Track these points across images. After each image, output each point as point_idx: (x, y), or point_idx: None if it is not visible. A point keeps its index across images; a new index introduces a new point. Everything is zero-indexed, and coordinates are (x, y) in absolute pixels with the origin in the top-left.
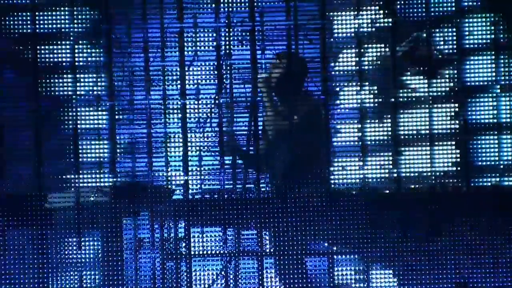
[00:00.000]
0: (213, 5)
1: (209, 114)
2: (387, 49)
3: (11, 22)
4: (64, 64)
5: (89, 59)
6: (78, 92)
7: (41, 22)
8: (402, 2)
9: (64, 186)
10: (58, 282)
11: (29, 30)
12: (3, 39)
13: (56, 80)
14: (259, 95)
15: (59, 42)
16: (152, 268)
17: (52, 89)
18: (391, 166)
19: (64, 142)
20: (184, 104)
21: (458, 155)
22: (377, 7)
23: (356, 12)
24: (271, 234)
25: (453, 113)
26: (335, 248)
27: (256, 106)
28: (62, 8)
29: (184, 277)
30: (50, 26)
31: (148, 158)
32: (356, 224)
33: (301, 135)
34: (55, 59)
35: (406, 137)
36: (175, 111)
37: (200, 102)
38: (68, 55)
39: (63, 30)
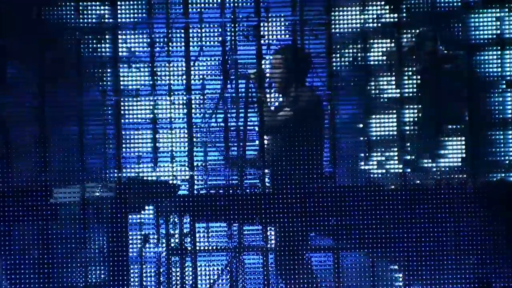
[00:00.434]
0: (219, 0)
1: (214, 109)
2: (392, 45)
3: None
4: (69, 59)
5: (95, 54)
6: (84, 87)
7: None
8: None
9: (70, 182)
10: (63, 277)
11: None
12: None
13: (61, 76)
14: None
15: (65, 37)
16: (157, 263)
17: (56, 84)
18: (396, 162)
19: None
20: (189, 99)
21: (464, 151)
22: (383, 2)
23: (361, 8)
24: (276, 230)
25: (458, 109)
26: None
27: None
28: (68, 3)
29: (189, 272)
30: (56, 20)
31: (154, 154)
32: (362, 220)
33: (300, 129)
34: (61, 54)
35: (411, 132)
36: (181, 106)
37: (205, 97)
38: (74, 50)
39: (69, 25)
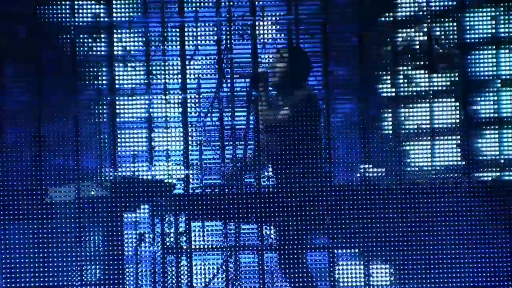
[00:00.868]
0: None
1: (209, 108)
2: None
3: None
4: (65, 58)
5: (90, 53)
6: (79, 86)
7: (43, 15)
8: None
9: (65, 180)
10: (59, 276)
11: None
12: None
13: (58, 75)
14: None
15: (61, 36)
16: (152, 262)
17: (54, 83)
18: (393, 161)
19: (66, 136)
20: (185, 98)
21: (460, 150)
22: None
23: (357, 6)
24: (271, 229)
25: (454, 108)
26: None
27: (256, 100)
28: (63, 2)
29: (185, 271)
30: (52, 19)
31: (149, 153)
32: (357, 219)
33: (298, 128)
34: (57, 53)
35: (408, 131)
36: (176, 105)
37: (200, 96)
38: (70, 49)
39: (64, 24)
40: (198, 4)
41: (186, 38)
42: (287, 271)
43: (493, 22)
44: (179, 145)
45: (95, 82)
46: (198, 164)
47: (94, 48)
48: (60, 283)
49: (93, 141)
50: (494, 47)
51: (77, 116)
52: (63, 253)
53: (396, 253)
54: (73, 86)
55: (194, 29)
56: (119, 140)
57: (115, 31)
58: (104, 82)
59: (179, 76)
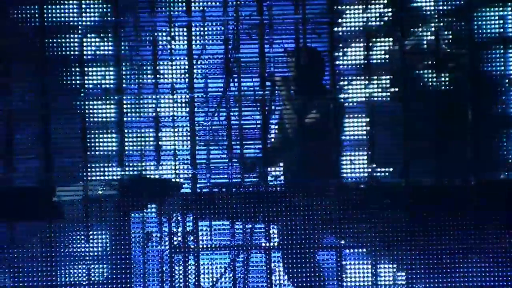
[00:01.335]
0: None
1: (217, 108)
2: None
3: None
4: (72, 57)
5: (97, 52)
6: (86, 86)
7: (50, 15)
8: None
9: (73, 180)
10: (66, 276)
11: (37, 23)
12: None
13: (65, 73)
14: (277, 93)
15: (67, 35)
16: (160, 261)
17: (61, 82)
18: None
19: (73, 135)
20: (192, 98)
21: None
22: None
23: (364, 6)
24: (279, 228)
25: (461, 107)
26: (343, 242)
27: (265, 100)
28: (70, 1)
29: (192, 270)
30: (58, 19)
31: (156, 152)
32: (364, 218)
33: (317, 130)
34: (64, 52)
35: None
36: (183, 104)
37: (208, 95)
38: (77, 48)
39: (71, 23)
40: (205, 3)
41: (193, 38)
42: (294, 270)
43: (501, 21)
44: (187, 144)
45: (102, 81)
46: (206, 164)
47: (101, 48)
48: (68, 282)
49: (100, 141)
50: (502, 46)
51: (84, 115)
52: (71, 252)
53: (404, 252)
54: (80, 86)
55: (201, 29)
56: (126, 139)
57: (122, 30)
58: (111, 81)
59: (186, 75)
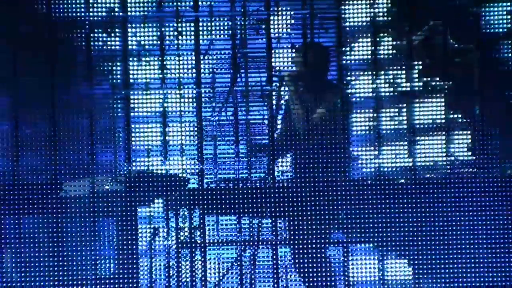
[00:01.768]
0: None
1: (224, 103)
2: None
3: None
4: (79, 53)
5: (105, 47)
6: (93, 81)
7: (57, 10)
8: None
9: (80, 175)
10: (73, 270)
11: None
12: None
13: (72, 70)
14: (283, 89)
15: (75, 31)
16: (166, 256)
17: (69, 78)
18: (406, 156)
19: (80, 131)
20: (199, 93)
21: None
22: None
23: (371, 1)
24: (285, 223)
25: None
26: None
27: (271, 95)
28: None
29: (199, 265)
30: (66, 14)
31: (163, 147)
32: (372, 213)
33: (325, 125)
34: (71, 47)
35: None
36: (190, 99)
37: (215, 90)
38: (84, 43)
39: (78, 18)
40: None
41: (201, 33)
42: (302, 265)
43: (509, 16)
44: (194, 139)
45: (110, 76)
46: (213, 159)
47: (109, 43)
48: (75, 277)
49: (108, 136)
50: (510, 41)
51: (92, 110)
52: (78, 247)
53: (411, 248)
54: (87, 81)
55: (209, 24)
56: (133, 134)
57: (129, 25)
58: (119, 76)
59: (194, 70)
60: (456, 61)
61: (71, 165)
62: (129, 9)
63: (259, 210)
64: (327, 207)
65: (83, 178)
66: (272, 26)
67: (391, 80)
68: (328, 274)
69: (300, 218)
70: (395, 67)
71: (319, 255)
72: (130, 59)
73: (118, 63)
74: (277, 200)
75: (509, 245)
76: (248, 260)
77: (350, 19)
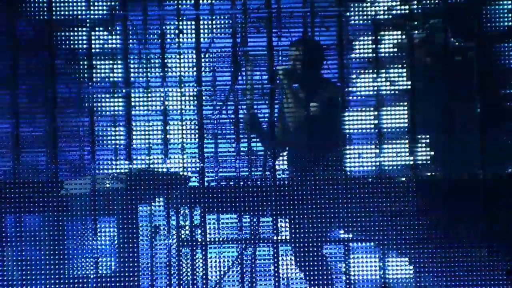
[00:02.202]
0: None
1: (225, 101)
2: (403, 37)
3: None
4: (80, 50)
5: (106, 46)
6: (94, 79)
7: (58, 8)
8: None
9: (80, 173)
10: (74, 268)
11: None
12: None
13: (73, 67)
14: (278, 84)
15: (75, 29)
16: (167, 255)
17: (69, 75)
18: (407, 154)
19: (81, 129)
20: (200, 91)
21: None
22: None
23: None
24: (286, 221)
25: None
26: (351, 236)
27: (273, 93)
28: None
29: (200, 264)
30: (66, 12)
31: (164, 145)
32: (372, 212)
33: (320, 121)
34: (72, 46)
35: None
36: (191, 98)
37: (216, 89)
38: (85, 41)
39: (79, 16)
40: None
41: (202, 31)
42: (302, 263)
43: (510, 15)
44: (194, 137)
45: (110, 75)
46: (213, 157)
47: (109, 41)
48: (76, 276)
49: (108, 134)
50: (511, 40)
51: (93, 109)
52: (78, 245)
53: (412, 246)
54: (88, 79)
55: (210, 22)
56: (134, 132)
57: (129, 23)
58: (119, 75)
59: (194, 69)
60: (456, 59)
61: (72, 164)
62: (129, 7)
63: (260, 208)
64: (328, 206)
65: (84, 176)
66: (273, 24)
67: (392, 78)
68: (329, 272)
69: (301, 216)
70: (396, 65)
71: (320, 253)
72: (131, 57)
73: (119, 62)
74: (278, 198)
75: (509, 244)
76: (249, 259)
77: (351, 17)
